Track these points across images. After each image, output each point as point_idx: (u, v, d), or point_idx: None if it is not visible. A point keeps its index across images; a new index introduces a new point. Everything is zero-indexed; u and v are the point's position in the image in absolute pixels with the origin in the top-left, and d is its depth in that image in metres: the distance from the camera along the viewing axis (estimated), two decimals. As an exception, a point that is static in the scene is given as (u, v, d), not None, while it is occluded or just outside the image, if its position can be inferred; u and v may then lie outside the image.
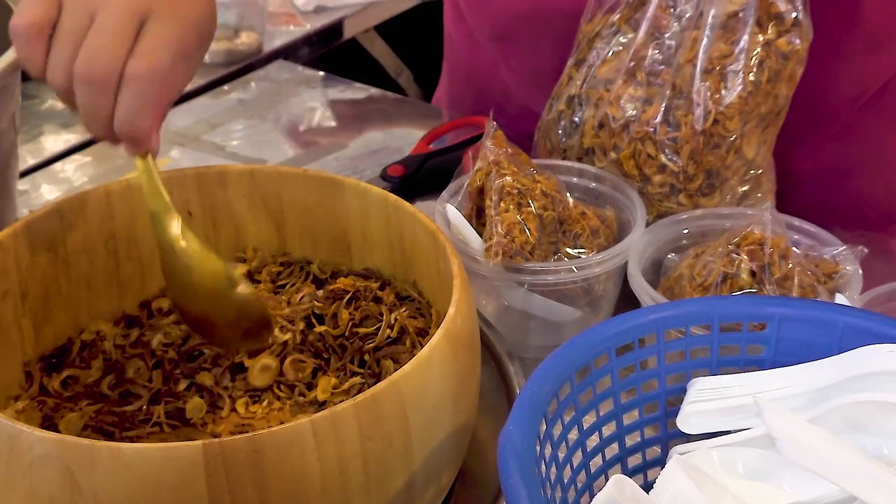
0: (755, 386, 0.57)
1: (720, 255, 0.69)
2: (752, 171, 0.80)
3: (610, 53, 0.80)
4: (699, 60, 0.76)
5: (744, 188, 0.80)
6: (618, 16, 0.80)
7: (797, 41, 0.77)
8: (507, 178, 0.74)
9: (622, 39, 0.80)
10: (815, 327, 0.57)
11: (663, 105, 0.77)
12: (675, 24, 0.78)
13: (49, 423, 0.63)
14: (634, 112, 0.78)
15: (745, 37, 0.76)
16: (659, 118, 0.77)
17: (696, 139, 0.76)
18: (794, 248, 0.71)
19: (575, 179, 0.80)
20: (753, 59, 0.76)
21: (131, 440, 0.62)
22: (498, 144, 0.75)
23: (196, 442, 0.50)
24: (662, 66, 0.78)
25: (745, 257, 0.67)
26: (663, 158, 0.78)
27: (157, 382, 0.66)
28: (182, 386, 0.65)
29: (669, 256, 0.74)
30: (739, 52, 0.76)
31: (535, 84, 0.92)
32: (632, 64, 0.79)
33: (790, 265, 0.68)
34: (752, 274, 0.67)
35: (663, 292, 0.71)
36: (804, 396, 0.56)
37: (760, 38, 0.76)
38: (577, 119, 0.81)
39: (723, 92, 0.76)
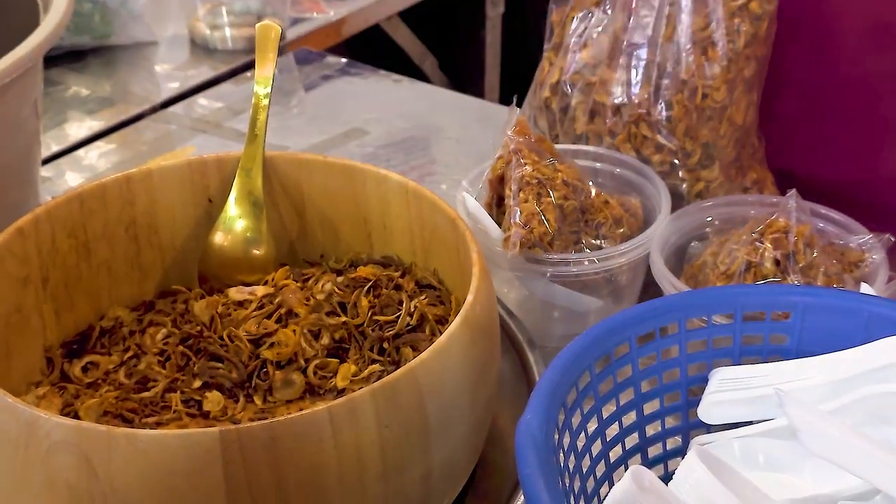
0: (778, 376, 0.56)
1: (744, 243, 0.68)
2: (742, 133, 0.81)
3: (589, 37, 0.80)
4: (680, 37, 0.76)
5: (737, 151, 0.82)
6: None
7: (768, 2, 0.78)
8: (526, 167, 0.73)
9: (598, 23, 0.80)
10: (840, 317, 0.56)
11: (652, 86, 0.77)
12: (649, 3, 0.78)
13: (70, 409, 0.63)
14: (624, 97, 0.78)
15: (719, 7, 0.77)
16: (650, 98, 0.77)
17: (689, 116, 0.77)
18: (818, 236, 0.70)
19: (599, 165, 0.79)
20: (730, 27, 0.77)
21: (151, 427, 0.62)
22: (520, 132, 0.74)
23: (213, 429, 0.50)
24: (643, 47, 0.78)
25: (770, 245, 0.67)
26: (660, 138, 0.78)
27: (171, 372, 0.66)
28: (197, 383, 0.64)
29: (693, 244, 0.74)
30: (716, 23, 0.76)
31: None
32: (612, 47, 0.79)
33: (815, 254, 0.67)
34: (777, 262, 0.67)
35: (686, 280, 0.71)
36: (827, 387, 0.55)
37: (733, 4, 0.77)
38: (565, 106, 0.81)
39: (706, 65, 0.77)
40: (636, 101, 0.78)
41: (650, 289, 0.75)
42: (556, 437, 0.49)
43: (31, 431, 0.51)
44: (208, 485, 0.50)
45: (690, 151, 0.78)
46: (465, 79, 1.93)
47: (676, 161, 0.79)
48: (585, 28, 0.80)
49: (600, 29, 0.80)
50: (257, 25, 0.75)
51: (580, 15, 0.81)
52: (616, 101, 0.79)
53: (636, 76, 0.78)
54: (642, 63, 0.78)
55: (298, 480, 0.52)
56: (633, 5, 0.79)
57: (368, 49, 1.58)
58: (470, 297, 0.59)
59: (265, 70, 0.73)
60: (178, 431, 0.51)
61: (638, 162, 0.78)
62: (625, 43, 0.79)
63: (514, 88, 1.16)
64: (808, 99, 0.89)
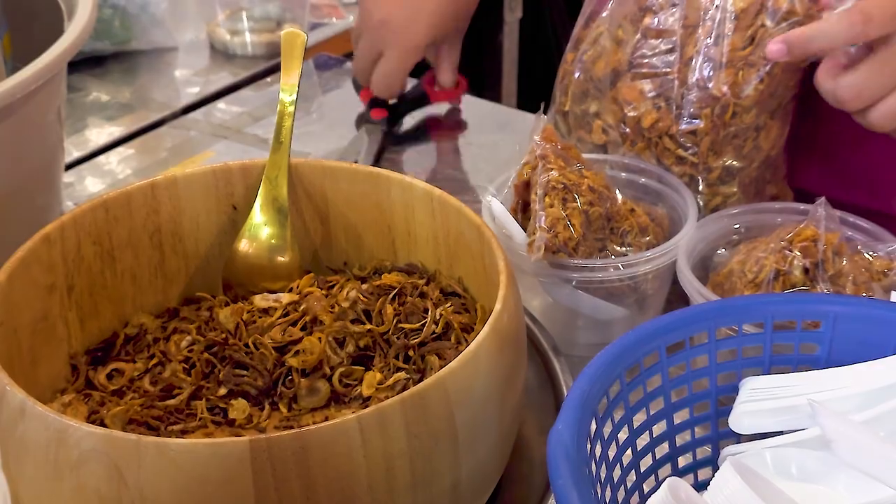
0: (809, 386, 0.55)
1: (772, 252, 0.67)
2: (769, 156, 0.80)
3: (607, 48, 0.80)
4: (720, 53, 0.76)
5: (759, 171, 0.81)
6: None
7: None
8: (552, 172, 0.73)
9: (619, 35, 0.80)
10: (871, 326, 0.56)
11: (675, 99, 0.77)
12: (674, 17, 0.78)
13: (95, 417, 0.63)
14: (645, 109, 0.78)
15: (759, 29, 0.76)
16: (674, 113, 0.77)
17: (714, 131, 0.77)
18: (846, 245, 0.69)
19: (625, 175, 0.79)
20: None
21: (177, 435, 0.62)
22: (546, 139, 0.74)
23: (243, 438, 0.50)
24: (668, 60, 0.78)
25: (799, 254, 0.66)
26: (682, 152, 0.78)
27: (196, 380, 0.65)
28: (223, 391, 0.64)
29: (719, 252, 0.73)
30: (754, 45, 0.76)
31: None
32: (634, 59, 0.78)
33: (844, 262, 0.66)
34: (805, 271, 0.66)
35: (713, 288, 0.70)
36: (859, 397, 0.54)
37: (771, 27, 0.76)
38: (582, 114, 0.81)
39: (742, 85, 0.76)
40: (659, 115, 0.78)
41: (677, 298, 0.75)
42: (588, 446, 0.49)
43: (62, 440, 0.51)
44: (237, 494, 0.50)
45: (713, 167, 0.78)
46: (482, 84, 1.92)
47: (696, 175, 0.79)
48: (606, 40, 0.80)
49: (620, 42, 0.80)
50: (283, 33, 0.75)
51: (600, 28, 0.81)
52: (638, 113, 0.79)
53: (658, 88, 0.78)
54: (665, 77, 0.78)
55: (328, 490, 0.51)
56: (657, 21, 0.78)
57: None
58: (498, 306, 0.58)
59: (291, 77, 0.73)
60: (208, 441, 0.50)
61: (664, 172, 0.78)
62: (646, 57, 0.79)
63: (531, 94, 1.16)
64: (831, 123, 0.88)
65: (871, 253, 0.70)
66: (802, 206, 0.73)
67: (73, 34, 0.73)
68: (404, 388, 0.63)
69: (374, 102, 1.05)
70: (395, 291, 0.68)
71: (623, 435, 0.54)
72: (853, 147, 0.88)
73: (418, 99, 1.07)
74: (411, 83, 1.07)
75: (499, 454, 0.60)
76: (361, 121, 1.06)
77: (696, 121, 0.77)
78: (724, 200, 0.81)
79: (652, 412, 0.56)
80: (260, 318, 0.68)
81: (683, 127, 0.77)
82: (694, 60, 0.77)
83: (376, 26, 0.99)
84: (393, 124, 1.05)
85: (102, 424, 0.61)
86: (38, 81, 0.69)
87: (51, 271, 0.64)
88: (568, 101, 0.84)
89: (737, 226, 0.75)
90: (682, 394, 0.57)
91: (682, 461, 0.58)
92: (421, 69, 1.06)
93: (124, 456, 0.50)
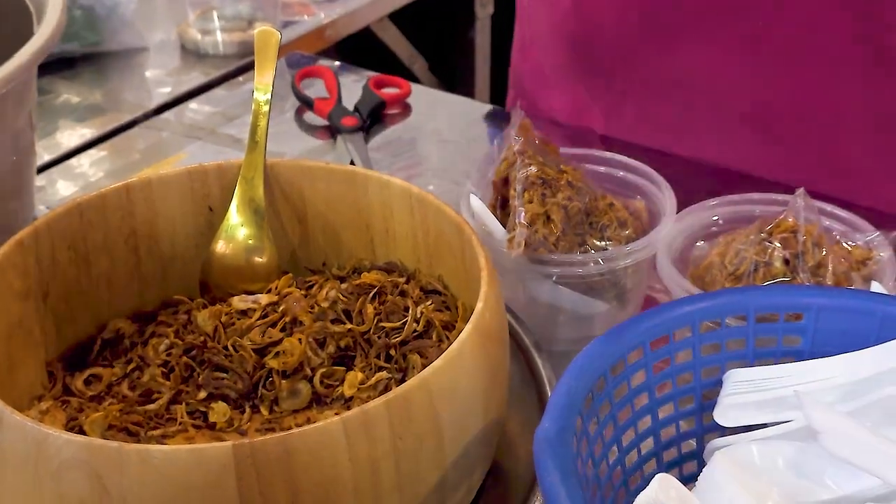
0: (793, 377, 0.55)
1: (752, 243, 0.67)
2: None
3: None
4: None
5: None
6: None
7: None
8: (531, 168, 0.72)
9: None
10: (854, 317, 0.56)
11: None
12: None
13: (74, 424, 0.62)
14: None
15: None
16: None
17: None
18: (826, 235, 0.69)
19: (603, 169, 0.79)
20: None
21: (157, 440, 0.61)
22: (524, 134, 0.74)
23: (226, 443, 0.49)
24: None
25: (779, 245, 0.66)
26: None
27: (176, 384, 0.65)
28: (202, 395, 0.64)
29: (698, 244, 0.73)
30: None
31: None
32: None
33: (824, 252, 0.66)
34: (786, 262, 0.66)
35: (693, 282, 0.70)
36: (843, 388, 0.54)
37: None
38: None
39: None
40: None
41: (653, 292, 0.75)
42: (575, 444, 0.49)
43: (41, 449, 0.50)
44: (222, 500, 0.50)
45: None
46: (455, 80, 1.92)
47: None
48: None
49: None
50: (256, 31, 0.74)
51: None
52: None
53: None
54: None
55: (313, 493, 0.51)
56: None
57: (358, 52, 1.57)
58: (480, 304, 0.58)
59: (265, 76, 0.72)
60: (191, 447, 0.50)
61: (643, 165, 0.77)
62: None
63: (504, 89, 1.16)
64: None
65: (849, 243, 0.70)
66: (781, 197, 0.73)
67: (43, 37, 0.72)
68: (386, 388, 0.63)
69: (341, 112, 1.04)
70: (375, 290, 0.68)
71: (608, 431, 0.54)
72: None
73: (378, 104, 1.07)
74: (360, 90, 1.07)
75: (484, 451, 0.60)
76: (334, 132, 1.05)
77: None
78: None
79: (637, 408, 0.56)
80: (239, 319, 0.67)
81: None
82: None
83: None
84: (365, 130, 1.05)
85: (81, 431, 0.61)
86: (9, 85, 0.68)
87: (25, 277, 0.63)
88: None
89: (715, 217, 0.74)
90: (667, 389, 0.57)
91: (668, 456, 0.58)
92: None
93: (106, 464, 0.49)
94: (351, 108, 1.06)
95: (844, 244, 0.70)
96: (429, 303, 0.67)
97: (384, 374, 0.64)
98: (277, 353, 0.65)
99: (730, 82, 0.90)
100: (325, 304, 0.68)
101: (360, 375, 0.64)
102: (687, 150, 0.93)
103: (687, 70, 0.91)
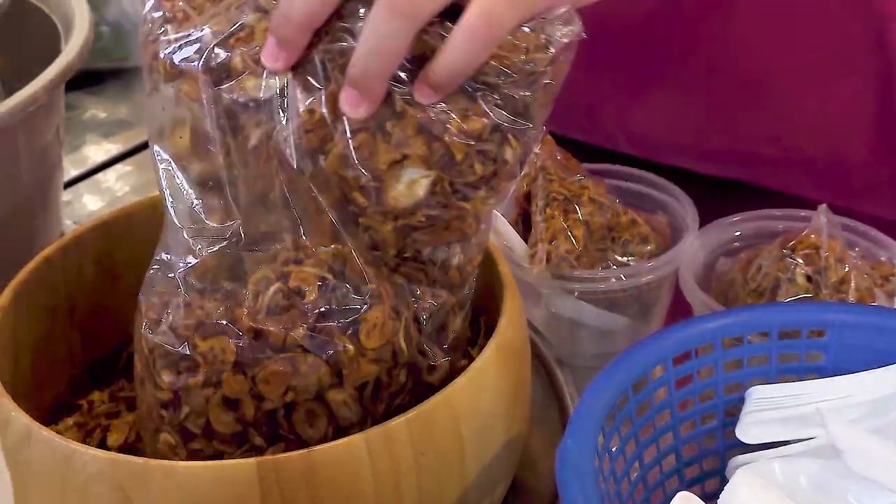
0: (816, 394, 0.55)
1: (774, 259, 0.67)
2: None
3: None
4: None
5: None
6: None
7: None
8: (553, 183, 0.73)
9: None
10: (877, 334, 0.56)
11: None
12: None
13: (99, 437, 0.63)
14: None
15: None
16: None
17: None
18: (849, 251, 0.69)
19: (626, 184, 0.79)
20: None
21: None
22: (546, 149, 0.74)
23: (250, 459, 0.49)
24: None
25: (801, 261, 0.66)
26: None
27: None
28: None
29: (721, 260, 0.73)
30: None
31: None
32: None
33: (847, 268, 0.66)
34: (808, 278, 0.66)
35: (715, 297, 0.70)
36: (866, 405, 0.54)
37: None
38: None
39: None
40: None
41: (675, 307, 0.75)
42: (597, 461, 0.49)
43: (68, 464, 0.51)
44: (246, 515, 0.50)
45: None
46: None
47: None
48: None
49: None
50: None
51: None
52: None
53: None
54: None
55: (336, 509, 0.51)
56: None
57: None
58: (503, 321, 0.58)
59: None
60: (214, 463, 0.50)
61: (664, 181, 0.78)
62: None
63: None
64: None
65: (873, 259, 0.70)
66: (803, 213, 0.73)
67: (70, 54, 0.73)
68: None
69: None
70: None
71: (630, 448, 0.54)
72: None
73: None
74: None
75: (506, 468, 0.60)
76: None
77: None
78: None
79: (658, 424, 0.56)
80: (263, 334, 0.68)
81: None
82: None
83: None
84: None
85: (105, 444, 0.61)
86: (37, 103, 0.68)
87: (52, 294, 0.64)
88: None
89: (737, 233, 0.74)
90: (689, 405, 0.57)
91: (690, 473, 0.58)
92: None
93: (131, 479, 0.50)
94: None
95: (868, 260, 0.70)
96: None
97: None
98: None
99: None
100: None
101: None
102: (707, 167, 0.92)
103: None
